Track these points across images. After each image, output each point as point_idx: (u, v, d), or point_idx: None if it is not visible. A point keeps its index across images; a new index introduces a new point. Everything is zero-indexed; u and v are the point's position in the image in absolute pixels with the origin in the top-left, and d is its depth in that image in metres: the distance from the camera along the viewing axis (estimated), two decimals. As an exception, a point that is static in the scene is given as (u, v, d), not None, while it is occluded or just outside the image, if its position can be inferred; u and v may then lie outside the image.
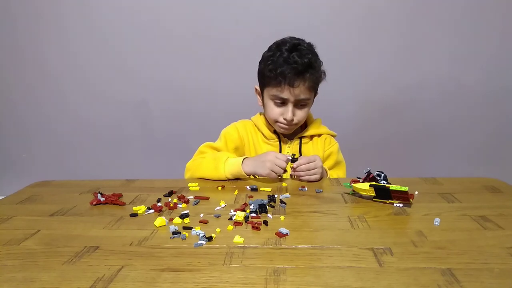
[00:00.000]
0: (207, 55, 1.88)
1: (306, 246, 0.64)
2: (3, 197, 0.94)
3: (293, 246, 0.64)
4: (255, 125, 1.19)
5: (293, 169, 1.00)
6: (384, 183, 0.84)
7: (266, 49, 1.13)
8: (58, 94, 1.98)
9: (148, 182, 1.03)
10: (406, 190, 0.79)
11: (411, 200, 0.82)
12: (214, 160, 1.04)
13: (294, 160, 1.00)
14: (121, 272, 0.57)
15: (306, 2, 1.78)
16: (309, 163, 0.99)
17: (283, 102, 1.06)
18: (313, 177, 1.00)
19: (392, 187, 0.81)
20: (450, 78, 1.86)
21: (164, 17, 1.84)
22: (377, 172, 0.88)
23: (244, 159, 1.01)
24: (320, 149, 1.17)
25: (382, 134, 1.93)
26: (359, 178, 0.92)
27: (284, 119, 1.07)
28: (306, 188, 0.94)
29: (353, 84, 1.82)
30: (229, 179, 1.02)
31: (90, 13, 1.85)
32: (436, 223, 0.72)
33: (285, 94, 1.04)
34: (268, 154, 0.99)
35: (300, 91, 1.03)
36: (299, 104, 1.07)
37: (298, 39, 1.08)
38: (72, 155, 2.07)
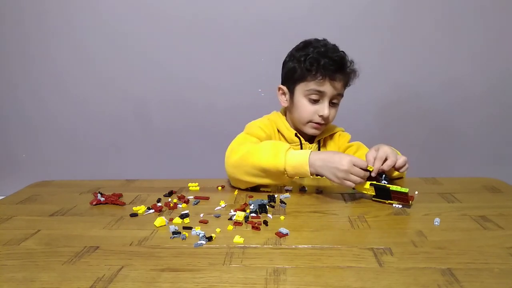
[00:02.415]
0: (208, 56, 1.88)
1: (306, 246, 0.64)
2: (3, 197, 0.94)
3: (293, 246, 0.64)
4: (276, 126, 1.13)
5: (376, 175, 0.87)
6: (385, 183, 0.84)
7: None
8: (58, 94, 1.98)
9: (148, 182, 1.03)
10: (407, 191, 0.79)
11: (410, 202, 0.81)
12: (273, 146, 0.89)
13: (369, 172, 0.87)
14: (121, 272, 0.57)
15: (310, 6, 1.78)
16: (384, 161, 0.86)
17: (318, 99, 1.02)
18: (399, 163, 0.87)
19: (393, 187, 0.80)
20: (450, 78, 1.86)
21: (164, 16, 1.84)
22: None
23: (311, 153, 0.86)
24: (336, 146, 1.17)
25: (382, 134, 1.93)
26: None
27: (320, 116, 1.02)
28: (306, 188, 0.94)
29: (354, 85, 1.82)
30: (287, 174, 0.87)
31: (90, 12, 1.85)
32: (436, 223, 0.72)
33: (325, 87, 1.00)
34: (343, 158, 0.82)
35: (339, 85, 1.02)
36: (332, 101, 1.04)
37: (323, 39, 1.07)
38: (72, 155, 2.07)
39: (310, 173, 0.85)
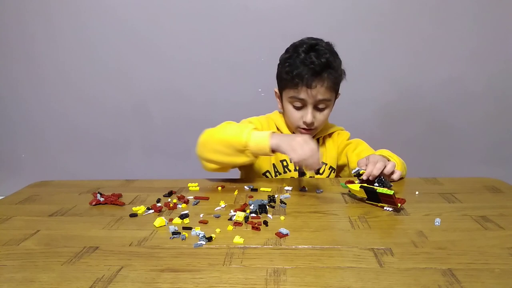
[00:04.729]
0: (206, 55, 1.88)
1: (306, 246, 0.64)
2: (2, 197, 0.94)
3: (293, 247, 0.64)
4: (275, 124, 1.16)
5: (367, 179, 0.88)
6: (376, 185, 0.82)
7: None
8: (58, 94, 1.98)
9: (147, 182, 1.03)
10: (391, 193, 0.76)
11: (399, 204, 0.78)
12: (239, 126, 0.96)
13: (359, 175, 0.89)
14: (120, 273, 0.57)
15: (311, 4, 1.78)
16: (375, 166, 0.87)
17: (302, 106, 1.03)
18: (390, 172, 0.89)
19: (380, 189, 0.78)
20: (451, 78, 1.86)
21: (165, 15, 1.84)
22: None
23: (272, 132, 0.91)
24: (335, 145, 1.17)
25: (382, 134, 1.93)
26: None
27: (304, 122, 1.04)
28: (306, 188, 0.94)
29: (353, 84, 1.82)
30: (247, 150, 0.91)
31: (89, 10, 1.85)
32: (437, 223, 0.72)
33: (303, 95, 1.00)
34: (308, 142, 0.86)
35: (318, 91, 1.00)
36: (318, 106, 1.03)
37: (316, 39, 1.05)
38: (72, 155, 2.07)
39: (271, 146, 0.88)
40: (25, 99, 2.00)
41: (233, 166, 1.04)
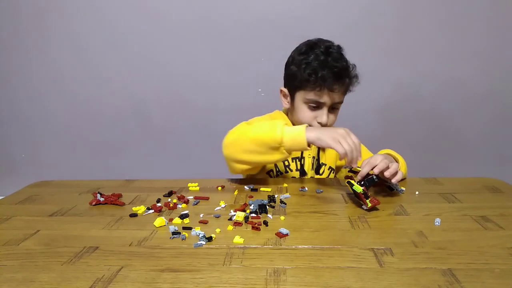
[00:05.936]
0: (208, 55, 1.87)
1: (306, 246, 0.64)
2: (2, 197, 0.94)
3: (293, 247, 0.64)
4: None
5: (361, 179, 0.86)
6: (362, 183, 0.81)
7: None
8: (56, 94, 1.98)
9: (147, 182, 1.03)
10: (359, 191, 0.77)
11: (369, 204, 0.77)
12: (269, 123, 0.92)
13: (352, 172, 0.89)
14: (120, 273, 0.57)
15: (311, 5, 1.77)
16: (373, 166, 0.84)
17: (317, 106, 1.02)
18: (392, 173, 0.85)
19: (355, 186, 0.79)
20: (451, 79, 1.86)
21: (165, 16, 1.84)
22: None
23: (307, 125, 0.90)
24: None
25: (383, 134, 1.93)
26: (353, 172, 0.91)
27: (319, 123, 1.03)
28: (306, 188, 0.94)
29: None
30: (283, 146, 0.88)
31: (89, 12, 1.85)
32: (437, 223, 0.72)
33: (324, 98, 0.99)
34: (350, 134, 0.86)
35: (337, 95, 1.01)
36: (331, 107, 1.04)
37: (328, 40, 1.05)
38: (72, 155, 2.07)
39: (307, 142, 0.86)
40: (25, 99, 2.00)
41: (264, 165, 1.03)
